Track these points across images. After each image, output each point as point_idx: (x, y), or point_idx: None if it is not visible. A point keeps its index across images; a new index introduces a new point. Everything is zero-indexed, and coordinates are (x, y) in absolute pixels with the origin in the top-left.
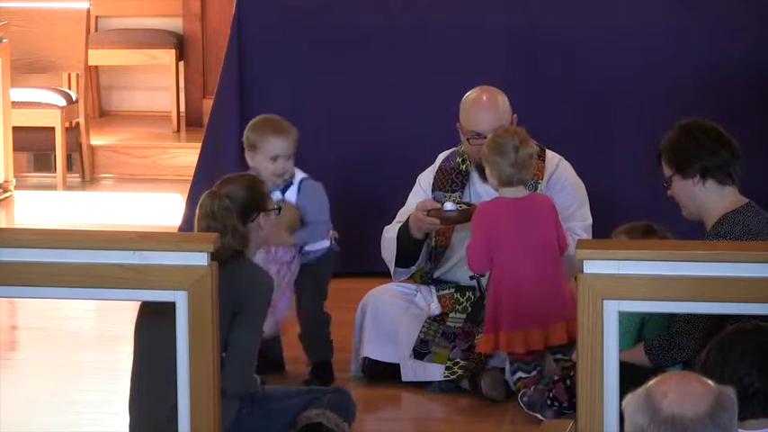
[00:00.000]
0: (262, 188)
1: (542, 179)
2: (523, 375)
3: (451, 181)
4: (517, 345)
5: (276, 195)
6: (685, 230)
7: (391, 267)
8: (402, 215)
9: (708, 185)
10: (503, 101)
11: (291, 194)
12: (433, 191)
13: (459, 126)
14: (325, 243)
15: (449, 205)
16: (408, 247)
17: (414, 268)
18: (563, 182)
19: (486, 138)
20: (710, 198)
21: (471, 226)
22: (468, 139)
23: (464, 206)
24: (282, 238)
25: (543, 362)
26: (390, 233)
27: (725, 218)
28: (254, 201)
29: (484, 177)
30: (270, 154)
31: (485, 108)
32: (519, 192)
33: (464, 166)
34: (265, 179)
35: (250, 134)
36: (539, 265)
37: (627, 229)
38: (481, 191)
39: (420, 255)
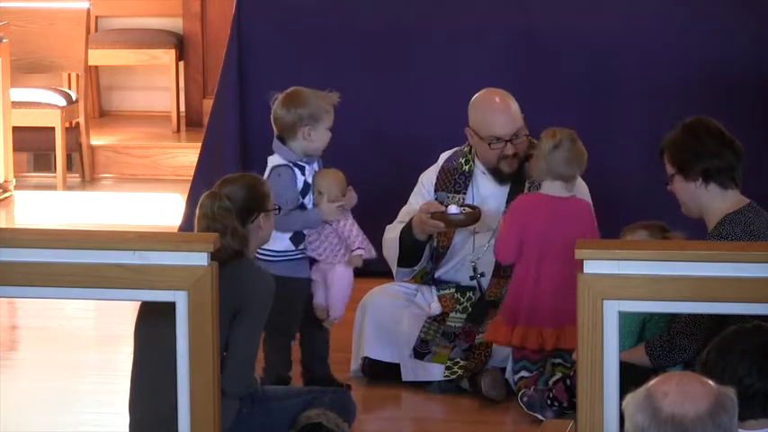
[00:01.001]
0: (262, 188)
1: None
2: (526, 375)
3: (454, 182)
4: (530, 341)
5: (319, 165)
6: (687, 231)
7: (393, 267)
8: (403, 215)
9: (710, 188)
10: (513, 101)
11: (316, 167)
12: (435, 191)
13: (471, 131)
14: None
15: (453, 208)
16: (411, 248)
17: (416, 268)
18: None
19: (506, 141)
20: (712, 200)
21: (498, 223)
22: (489, 144)
23: (468, 209)
24: (354, 199)
25: (546, 362)
26: (392, 233)
27: (726, 219)
28: (254, 201)
29: (497, 180)
30: (329, 125)
31: (501, 111)
32: (558, 189)
33: (467, 167)
34: (316, 152)
35: (305, 109)
36: (563, 267)
37: (645, 225)
38: (484, 192)
39: (423, 256)
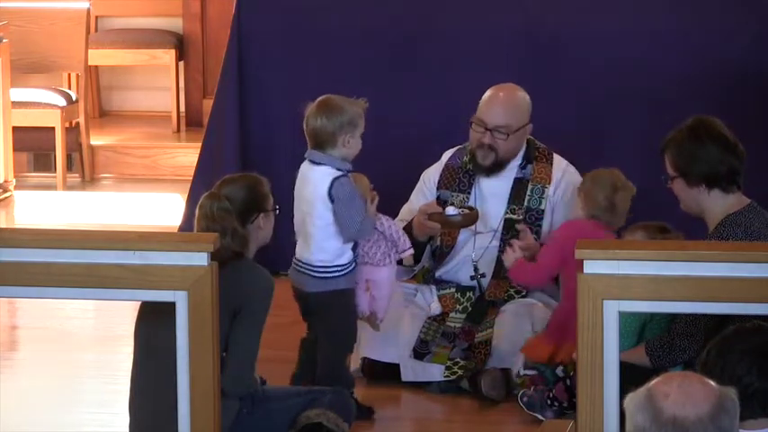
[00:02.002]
0: (262, 188)
1: (549, 184)
2: (531, 373)
3: (458, 180)
4: (565, 356)
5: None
6: (687, 232)
7: None
8: (404, 213)
9: (712, 193)
10: (520, 101)
11: None
12: (438, 188)
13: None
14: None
15: (451, 209)
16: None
17: (415, 269)
18: (572, 189)
19: (486, 129)
20: (714, 203)
21: (536, 244)
22: (472, 123)
23: (466, 210)
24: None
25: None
26: None
27: (727, 220)
28: (254, 202)
29: (474, 169)
30: (362, 130)
31: (497, 101)
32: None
33: (471, 165)
34: (351, 158)
35: (345, 116)
36: None
37: (644, 226)
38: (487, 191)
39: (422, 256)
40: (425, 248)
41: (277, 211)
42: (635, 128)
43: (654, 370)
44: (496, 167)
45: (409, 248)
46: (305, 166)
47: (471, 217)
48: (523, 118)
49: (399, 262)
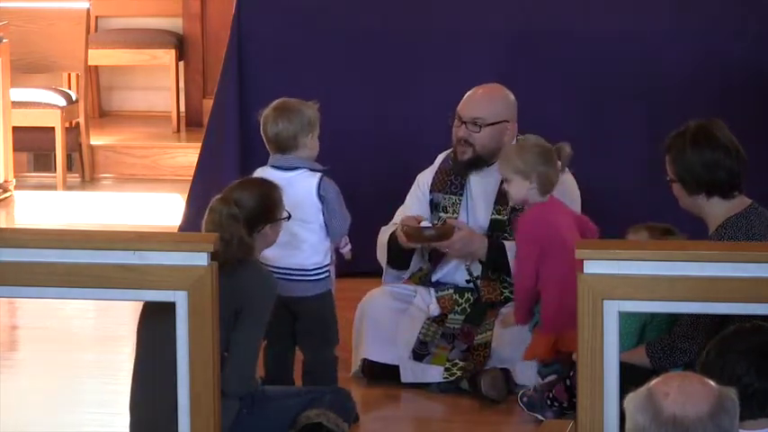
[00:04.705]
0: (275, 197)
1: None
2: (550, 378)
3: (450, 182)
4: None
5: None
6: (689, 233)
7: (384, 269)
8: (399, 215)
9: (712, 201)
10: (498, 97)
11: None
12: (431, 191)
13: None
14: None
15: (425, 223)
16: (397, 255)
17: (404, 276)
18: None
19: (462, 122)
20: (714, 208)
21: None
22: (451, 118)
23: (439, 225)
24: None
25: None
26: (384, 237)
27: (728, 222)
28: (263, 213)
29: (456, 163)
30: (319, 131)
31: (474, 95)
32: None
33: (453, 164)
34: (314, 158)
35: (304, 117)
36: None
37: (648, 227)
38: (476, 193)
39: (411, 262)
40: (413, 255)
41: (288, 219)
42: (635, 128)
43: (654, 370)
44: (476, 164)
45: (347, 246)
46: (273, 175)
47: (443, 230)
48: (500, 113)
49: (341, 258)
